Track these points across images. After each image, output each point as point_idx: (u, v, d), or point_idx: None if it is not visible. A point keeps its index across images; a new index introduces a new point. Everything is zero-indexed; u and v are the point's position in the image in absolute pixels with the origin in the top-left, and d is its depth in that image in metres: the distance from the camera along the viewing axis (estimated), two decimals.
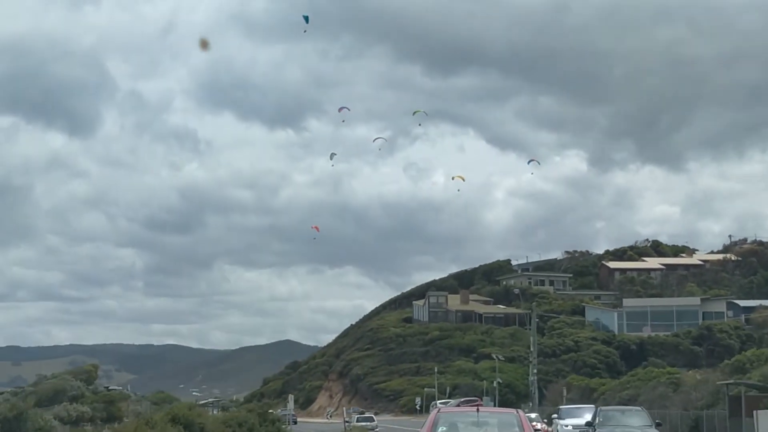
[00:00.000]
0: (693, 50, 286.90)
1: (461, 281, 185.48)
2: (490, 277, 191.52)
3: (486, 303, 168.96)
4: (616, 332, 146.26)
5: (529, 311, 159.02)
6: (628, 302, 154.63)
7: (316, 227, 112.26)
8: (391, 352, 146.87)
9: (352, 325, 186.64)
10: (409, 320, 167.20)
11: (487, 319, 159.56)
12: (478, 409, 18.51)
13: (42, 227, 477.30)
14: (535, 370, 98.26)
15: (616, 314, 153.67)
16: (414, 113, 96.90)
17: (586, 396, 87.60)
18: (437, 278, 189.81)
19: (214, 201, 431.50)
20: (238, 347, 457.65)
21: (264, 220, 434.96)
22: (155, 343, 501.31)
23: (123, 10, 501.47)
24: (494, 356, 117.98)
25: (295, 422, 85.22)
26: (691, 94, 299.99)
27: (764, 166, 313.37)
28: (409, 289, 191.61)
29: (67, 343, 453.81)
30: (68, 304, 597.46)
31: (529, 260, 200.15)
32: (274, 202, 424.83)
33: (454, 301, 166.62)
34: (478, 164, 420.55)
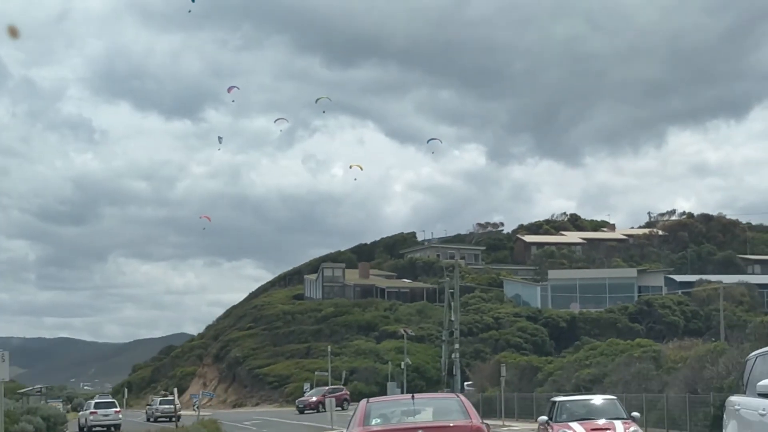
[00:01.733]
0: (591, 46, 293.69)
1: (360, 255, 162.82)
2: (392, 251, 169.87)
3: (389, 278, 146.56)
4: (540, 308, 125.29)
5: (438, 285, 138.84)
6: (553, 274, 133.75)
7: (207, 217, 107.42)
8: (276, 332, 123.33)
9: (234, 306, 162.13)
10: (300, 297, 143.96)
11: (390, 294, 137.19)
12: (413, 396, 17.18)
13: None
14: (457, 344, 75.67)
15: (539, 288, 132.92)
16: (317, 100, 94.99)
17: (526, 378, 65.59)
18: (332, 251, 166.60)
19: (110, 192, 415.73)
20: (132, 340, 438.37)
21: (161, 212, 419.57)
22: (47, 336, 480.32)
23: None
24: (403, 331, 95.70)
25: (178, 418, 62.35)
26: (589, 90, 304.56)
27: (658, 161, 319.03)
28: (300, 264, 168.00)
29: None
30: None
31: (435, 236, 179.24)
32: (171, 193, 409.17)
33: (352, 276, 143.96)
34: (378, 157, 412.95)
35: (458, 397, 17.40)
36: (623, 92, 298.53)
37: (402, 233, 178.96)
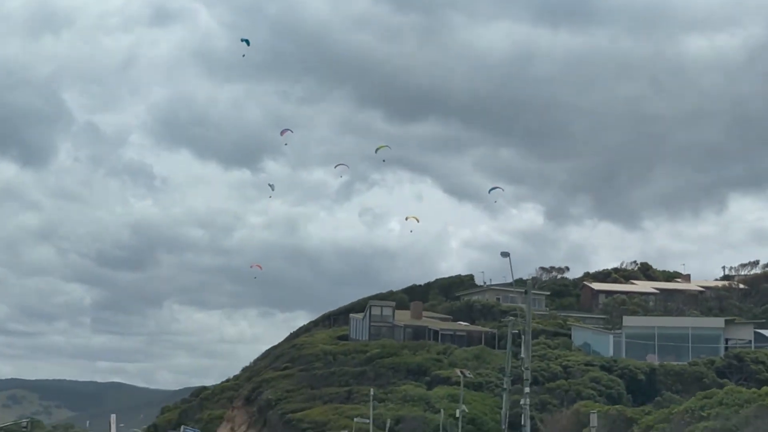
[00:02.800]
0: (654, 108, 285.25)
1: (412, 296, 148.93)
2: (448, 293, 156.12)
3: (443, 320, 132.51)
4: (614, 357, 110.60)
5: (497, 330, 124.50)
6: (629, 321, 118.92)
7: (258, 265, 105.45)
8: (315, 373, 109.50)
9: (274, 346, 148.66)
10: (345, 338, 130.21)
11: (444, 337, 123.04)
12: None
13: None
14: (527, 389, 61.38)
15: (611, 337, 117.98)
16: (377, 149, 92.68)
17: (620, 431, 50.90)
18: (383, 291, 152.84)
19: (167, 239, 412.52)
20: (183, 387, 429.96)
21: (216, 261, 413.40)
22: (99, 380, 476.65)
23: (83, 42, 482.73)
24: (459, 373, 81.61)
25: None
26: (650, 152, 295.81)
27: (718, 228, 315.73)
28: (347, 303, 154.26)
29: (9, 377, 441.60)
30: (13, 338, 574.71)
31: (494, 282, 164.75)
32: (228, 242, 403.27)
33: (403, 317, 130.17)
34: (435, 213, 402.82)
35: None
36: (684, 156, 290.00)
37: (459, 275, 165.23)
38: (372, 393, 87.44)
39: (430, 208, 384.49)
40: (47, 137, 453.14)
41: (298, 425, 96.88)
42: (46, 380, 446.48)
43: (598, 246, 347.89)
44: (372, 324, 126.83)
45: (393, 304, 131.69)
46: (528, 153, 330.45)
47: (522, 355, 62.79)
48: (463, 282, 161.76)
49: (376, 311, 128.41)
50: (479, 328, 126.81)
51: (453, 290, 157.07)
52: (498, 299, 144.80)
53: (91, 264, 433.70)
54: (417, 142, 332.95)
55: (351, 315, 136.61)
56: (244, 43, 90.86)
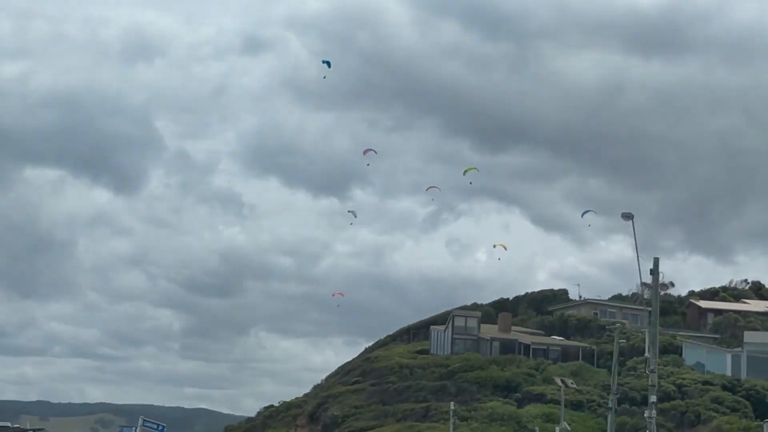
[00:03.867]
0: (747, 141, 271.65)
1: (500, 310, 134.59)
2: (539, 308, 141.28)
3: (534, 335, 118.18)
4: (734, 377, 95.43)
5: (596, 346, 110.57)
6: (752, 338, 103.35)
7: (340, 293, 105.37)
8: (388, 387, 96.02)
9: (348, 362, 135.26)
10: (425, 353, 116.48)
11: (536, 352, 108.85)
12: None
13: (82, 283, 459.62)
14: (653, 398, 46.93)
15: (729, 356, 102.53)
16: (465, 171, 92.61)
17: None
18: (467, 303, 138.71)
19: (255, 266, 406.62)
20: None
21: (303, 288, 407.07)
22: (186, 406, 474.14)
23: (175, 70, 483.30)
24: (560, 382, 67.52)
25: None
26: (743, 185, 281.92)
27: None
28: (428, 317, 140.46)
29: (97, 401, 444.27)
30: (103, 362, 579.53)
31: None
32: (315, 270, 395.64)
33: (489, 331, 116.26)
34: (522, 244, 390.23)
35: None
36: None
37: (552, 289, 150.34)
38: (453, 409, 73.52)
39: (518, 239, 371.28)
40: (139, 164, 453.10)
41: None
42: (134, 405, 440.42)
43: (689, 278, 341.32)
44: (455, 336, 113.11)
45: (478, 314, 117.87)
46: (617, 184, 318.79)
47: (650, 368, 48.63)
48: (556, 296, 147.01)
49: (459, 322, 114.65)
50: (576, 343, 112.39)
51: (544, 305, 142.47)
52: (595, 314, 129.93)
53: (179, 290, 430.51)
54: (505, 172, 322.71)
55: (432, 327, 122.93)
56: (326, 65, 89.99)
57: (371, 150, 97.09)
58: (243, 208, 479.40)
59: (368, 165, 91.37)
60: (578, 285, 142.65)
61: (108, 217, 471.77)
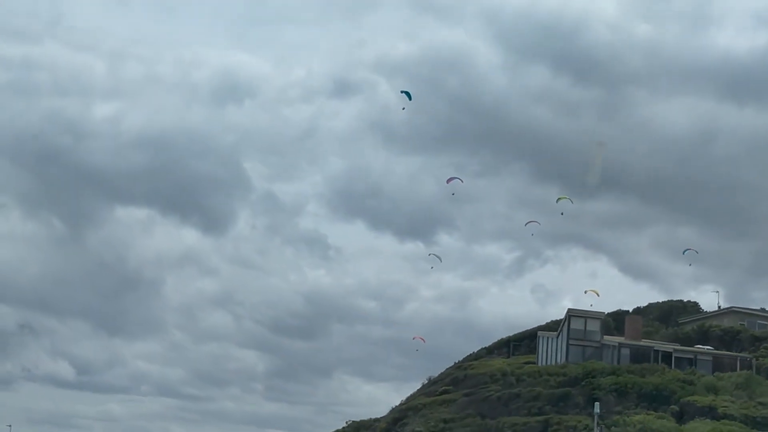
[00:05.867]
0: None
1: (618, 321, 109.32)
2: (667, 321, 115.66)
3: (671, 345, 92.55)
4: None
5: (756, 359, 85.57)
6: None
7: (421, 338, 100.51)
8: (488, 396, 71.37)
9: (432, 377, 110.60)
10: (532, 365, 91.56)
11: (681, 361, 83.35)
12: None
13: (169, 322, 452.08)
14: None
15: None
16: (558, 199, 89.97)
17: None
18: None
19: (339, 309, 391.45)
20: None
21: (387, 332, 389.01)
22: None
23: (264, 112, 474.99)
24: None
25: None
26: None
27: None
28: (530, 328, 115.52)
29: None
30: (187, 402, 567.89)
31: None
32: (399, 314, 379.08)
33: (613, 339, 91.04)
34: (610, 292, 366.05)
35: None
36: None
37: (681, 300, 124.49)
38: (598, 414, 48.78)
39: (605, 287, 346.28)
40: (227, 205, 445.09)
41: None
42: None
43: None
44: (571, 343, 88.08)
45: (602, 314, 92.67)
46: (708, 233, 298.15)
47: None
48: (686, 308, 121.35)
49: (577, 325, 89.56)
50: (732, 353, 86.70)
51: (673, 317, 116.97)
52: (742, 324, 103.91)
53: (264, 331, 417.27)
54: (593, 219, 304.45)
55: (540, 333, 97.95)
56: (405, 95, 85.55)
57: (456, 178, 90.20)
58: (329, 250, 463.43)
59: (453, 194, 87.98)
60: (717, 292, 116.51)
61: (195, 257, 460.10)
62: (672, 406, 63.49)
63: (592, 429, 59.38)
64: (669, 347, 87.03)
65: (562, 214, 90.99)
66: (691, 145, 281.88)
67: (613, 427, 57.53)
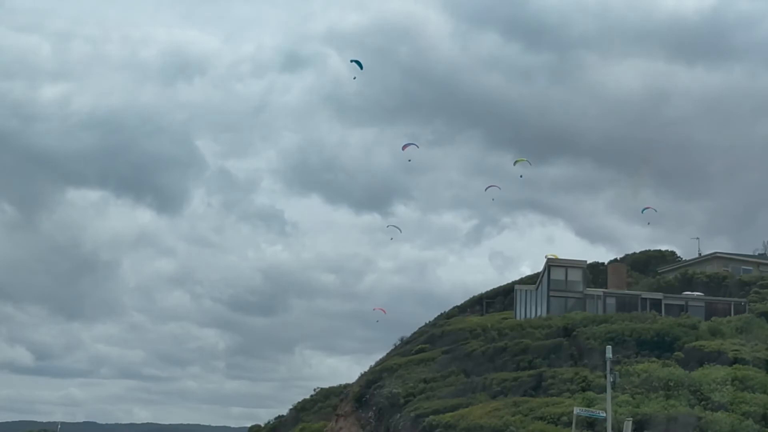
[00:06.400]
0: None
1: (596, 272, 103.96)
2: (644, 269, 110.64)
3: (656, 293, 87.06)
4: None
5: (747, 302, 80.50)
6: None
7: (382, 309, 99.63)
8: (473, 352, 65.22)
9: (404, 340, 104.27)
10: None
11: (670, 308, 77.98)
12: None
13: (127, 304, 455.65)
14: None
15: None
16: (516, 162, 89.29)
17: None
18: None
19: (298, 284, 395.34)
20: None
21: (347, 306, 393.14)
22: (233, 425, 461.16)
23: (215, 88, 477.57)
24: None
25: None
26: None
27: None
28: (507, 283, 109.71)
29: (144, 422, 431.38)
30: (149, 383, 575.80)
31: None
32: (358, 287, 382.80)
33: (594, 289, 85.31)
34: (567, 256, 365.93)
35: None
36: None
37: (659, 249, 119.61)
38: (610, 358, 42.68)
39: (562, 251, 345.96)
40: (181, 184, 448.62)
41: None
42: (181, 425, 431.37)
43: None
44: (552, 293, 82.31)
45: (584, 263, 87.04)
46: (664, 193, 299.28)
47: None
48: (664, 256, 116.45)
49: (557, 275, 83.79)
50: (725, 298, 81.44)
51: (651, 266, 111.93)
52: (727, 270, 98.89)
53: (224, 309, 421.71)
54: (548, 184, 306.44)
55: (516, 287, 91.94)
56: (356, 64, 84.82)
57: (412, 144, 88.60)
58: (285, 225, 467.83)
59: (410, 161, 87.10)
60: (698, 239, 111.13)
61: (151, 237, 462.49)
62: (676, 353, 57.57)
63: (590, 381, 53.52)
64: (658, 295, 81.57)
65: (521, 176, 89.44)
66: (643, 106, 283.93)
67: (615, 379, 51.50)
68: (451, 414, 54.83)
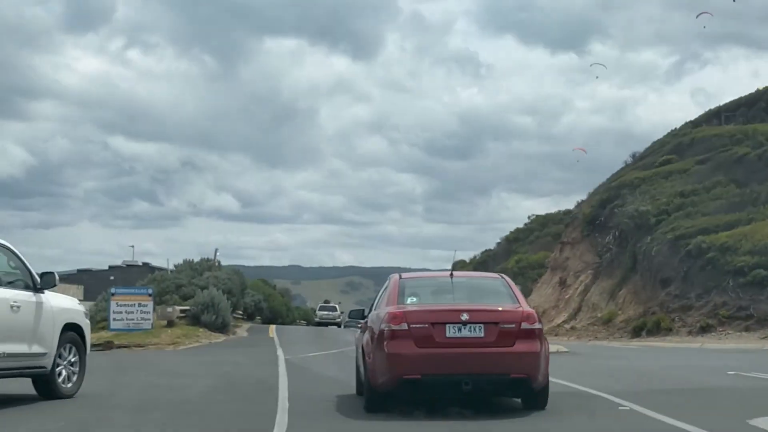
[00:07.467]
0: None
1: None
2: None
3: None
4: None
5: None
6: None
7: (582, 149, 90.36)
8: (744, 158, 51.09)
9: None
10: None
11: None
12: (452, 275, 13.43)
13: (326, 151, 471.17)
14: None
15: None
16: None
17: None
18: None
19: (494, 127, 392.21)
20: None
21: (544, 148, 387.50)
22: (432, 267, 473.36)
23: None
24: None
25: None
26: None
27: None
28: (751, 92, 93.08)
29: (347, 265, 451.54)
30: (350, 227, 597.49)
31: None
32: (555, 128, 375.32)
33: None
34: None
35: (503, 278, 13.55)
36: None
37: None
38: None
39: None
40: (375, 29, 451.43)
41: (722, 264, 39.54)
42: (381, 267, 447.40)
43: None
44: None
45: None
46: None
47: None
48: None
49: None
50: None
51: None
52: None
53: (420, 154, 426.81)
54: (755, 16, 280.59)
55: None
56: None
57: (706, 12, 68.00)
58: (480, 68, 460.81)
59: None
60: None
61: (347, 84, 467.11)
62: None
63: None
64: None
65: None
66: None
67: None
68: (726, 234, 41.32)
